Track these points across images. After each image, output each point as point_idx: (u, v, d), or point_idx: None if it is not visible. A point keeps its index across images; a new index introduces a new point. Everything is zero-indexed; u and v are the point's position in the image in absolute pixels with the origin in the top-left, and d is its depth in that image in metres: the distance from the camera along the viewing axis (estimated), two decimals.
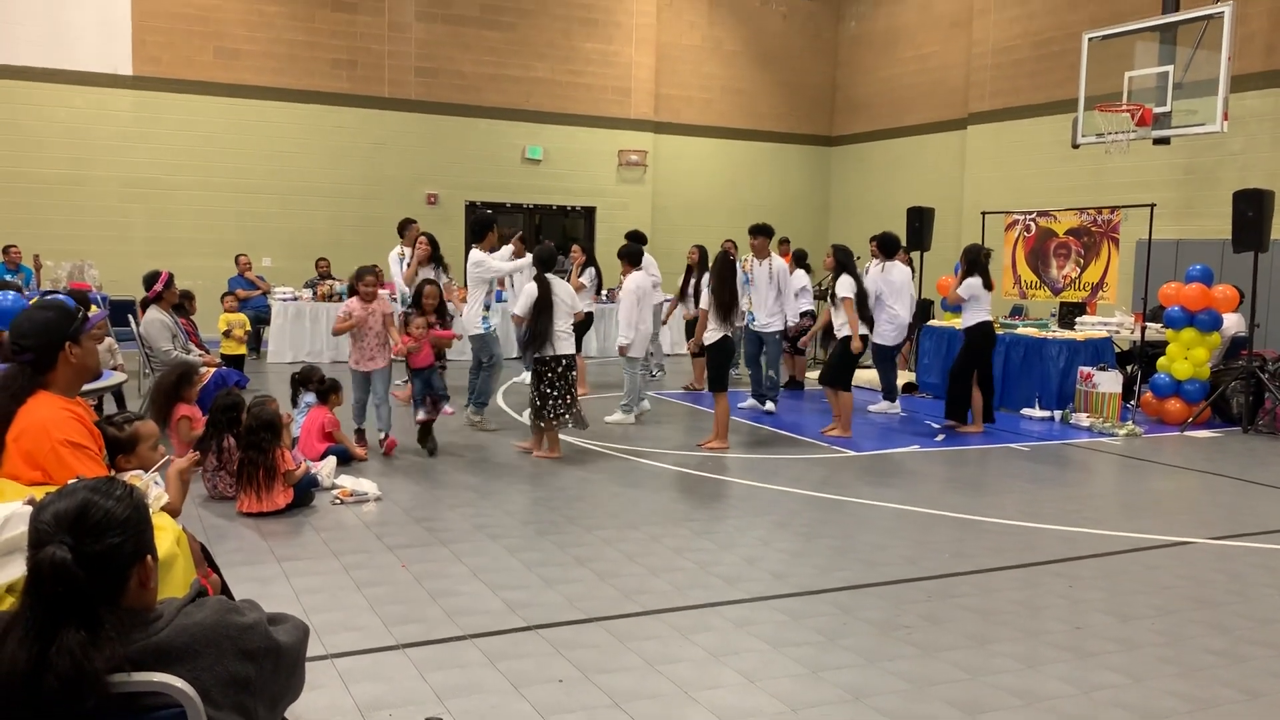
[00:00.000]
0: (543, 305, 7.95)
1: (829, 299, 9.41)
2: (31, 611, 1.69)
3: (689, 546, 5.69)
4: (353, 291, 8.18)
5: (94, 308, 10.20)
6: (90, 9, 15.39)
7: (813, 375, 13.45)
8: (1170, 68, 12.46)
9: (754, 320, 10.46)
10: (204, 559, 3.59)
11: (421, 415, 8.12)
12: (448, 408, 8.39)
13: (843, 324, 9.29)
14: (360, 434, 8.00)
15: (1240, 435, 9.96)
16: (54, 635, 1.67)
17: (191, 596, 1.89)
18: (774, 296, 10.38)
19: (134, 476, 3.09)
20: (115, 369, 8.43)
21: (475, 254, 9.28)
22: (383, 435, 7.99)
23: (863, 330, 9.23)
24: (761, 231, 10.32)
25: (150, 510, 2.90)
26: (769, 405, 10.58)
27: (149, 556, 1.82)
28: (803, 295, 11.75)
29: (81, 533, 1.73)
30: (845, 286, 9.21)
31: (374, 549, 5.55)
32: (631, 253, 10.20)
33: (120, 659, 1.69)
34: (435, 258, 10.51)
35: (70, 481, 1.89)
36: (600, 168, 19.06)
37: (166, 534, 2.72)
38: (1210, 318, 10.36)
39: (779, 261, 10.46)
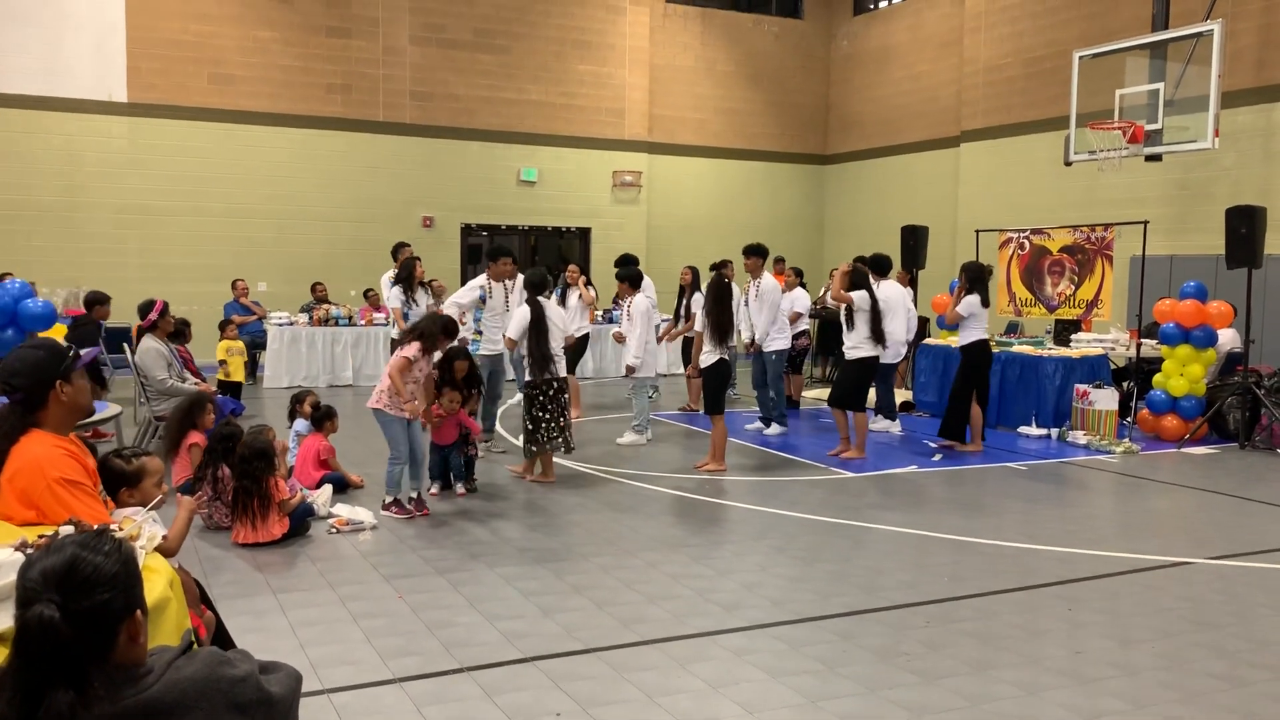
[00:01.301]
0: (538, 328, 7.95)
1: (845, 321, 9.41)
2: (19, 671, 1.68)
3: (687, 573, 5.67)
4: (430, 345, 7.13)
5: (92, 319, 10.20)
6: (85, 37, 15.44)
7: (810, 395, 13.47)
8: (1161, 85, 12.53)
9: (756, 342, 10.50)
10: (198, 597, 3.58)
11: (435, 490, 7.60)
12: (459, 488, 7.70)
13: (854, 345, 9.31)
14: (418, 501, 7.10)
15: (1237, 451, 9.96)
16: (43, 696, 1.65)
17: (183, 648, 1.88)
18: (770, 316, 10.39)
19: (127, 519, 3.07)
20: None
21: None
22: (415, 494, 7.10)
23: (875, 350, 9.29)
24: (754, 252, 10.35)
25: (144, 551, 2.90)
26: (774, 427, 10.54)
27: (139, 611, 1.81)
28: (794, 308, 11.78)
29: (70, 590, 1.71)
30: (861, 298, 9.24)
31: (370, 579, 5.52)
32: (633, 275, 10.25)
33: (110, 718, 1.68)
34: (420, 282, 10.54)
35: (59, 535, 1.88)
36: (595, 189, 19.11)
37: (159, 576, 2.71)
38: (1205, 334, 10.38)
39: (768, 280, 10.47)
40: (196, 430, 7.15)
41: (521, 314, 8.06)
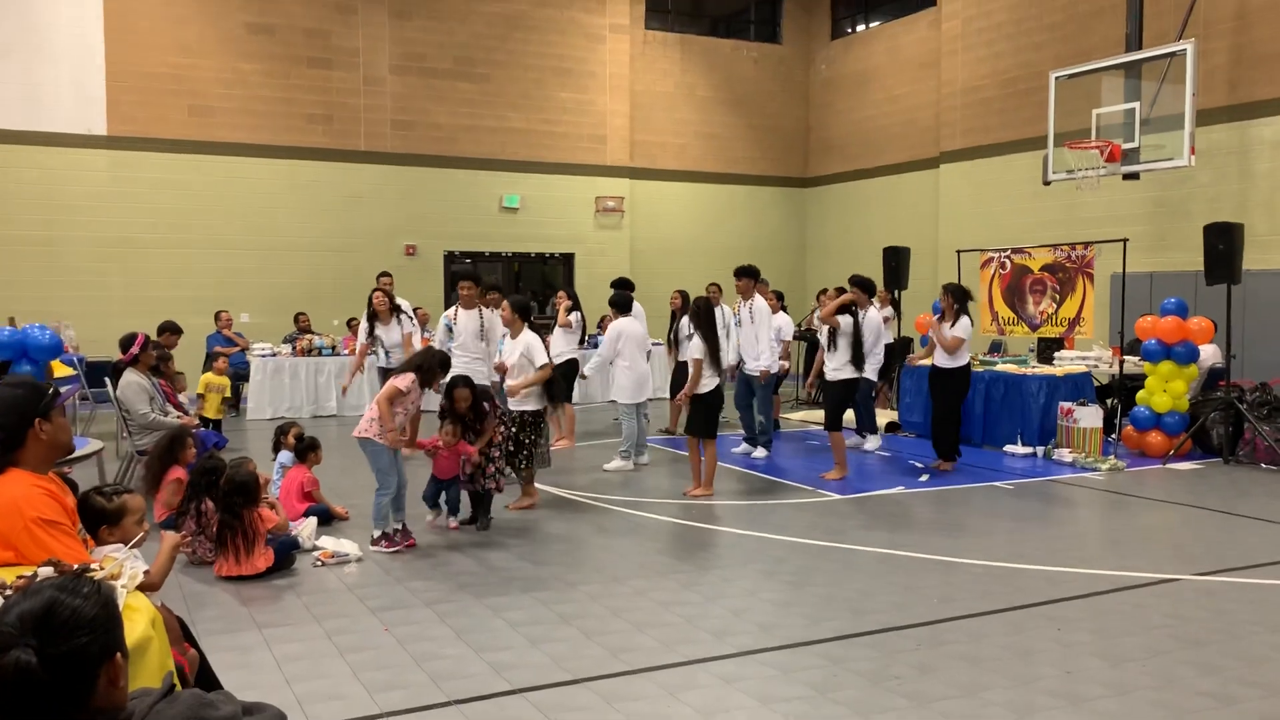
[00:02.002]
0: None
1: (828, 342, 9.49)
2: None
3: (676, 600, 5.64)
4: (427, 379, 7.01)
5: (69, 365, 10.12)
6: (64, 70, 15.42)
7: (795, 416, 13.48)
8: (1137, 104, 12.67)
9: (744, 364, 10.53)
10: (181, 635, 3.53)
11: (431, 518, 7.47)
12: (452, 521, 7.45)
13: (836, 367, 9.37)
14: (399, 532, 6.89)
15: (1221, 466, 10.01)
16: None
17: (165, 691, 1.85)
18: (763, 337, 10.41)
19: (108, 558, 3.03)
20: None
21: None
22: (400, 526, 6.93)
23: (857, 372, 9.40)
24: (745, 274, 10.38)
25: (126, 590, 2.86)
26: (760, 451, 10.55)
27: (119, 654, 1.78)
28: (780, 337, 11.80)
29: (47, 634, 1.68)
30: (846, 323, 9.33)
31: (356, 612, 5.47)
32: (622, 301, 10.32)
33: None
34: (394, 307, 10.59)
35: (37, 577, 1.85)
36: (578, 214, 19.15)
37: (141, 615, 2.67)
38: (1187, 350, 10.45)
39: (760, 302, 10.50)
40: (178, 465, 7.10)
41: (534, 344, 8.04)
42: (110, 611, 1.76)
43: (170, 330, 10.78)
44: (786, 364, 12.00)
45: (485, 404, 7.52)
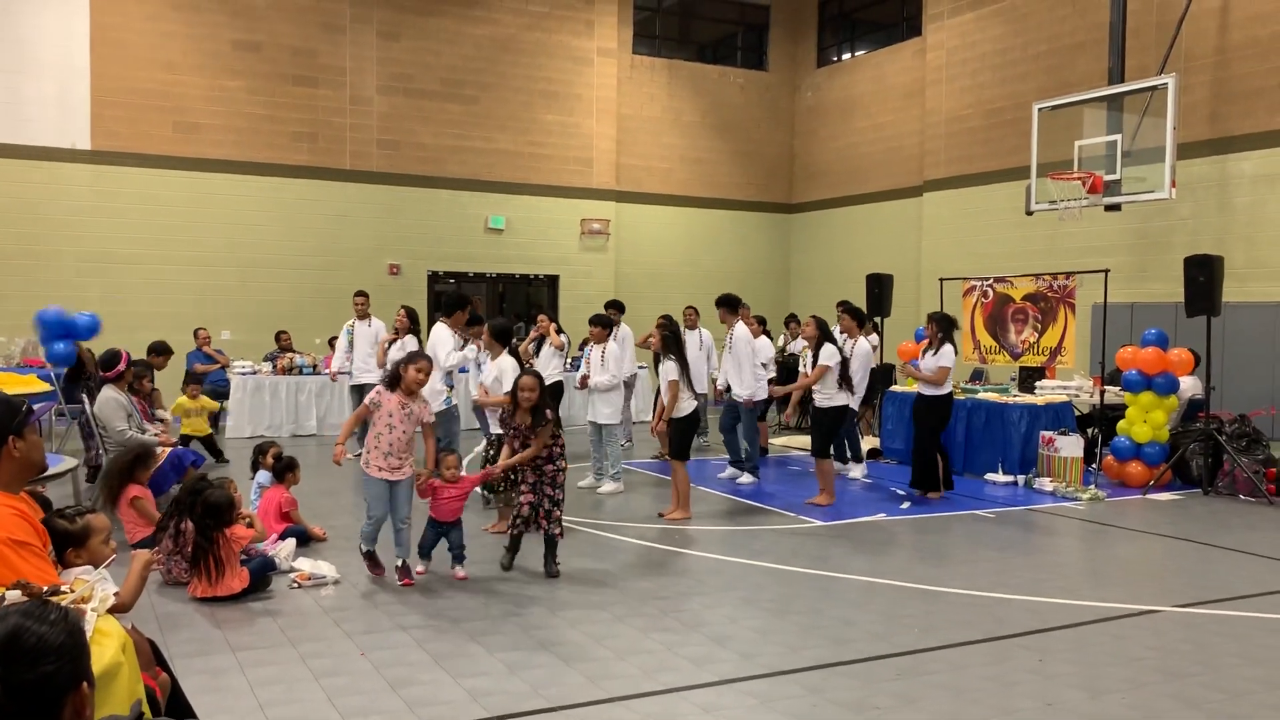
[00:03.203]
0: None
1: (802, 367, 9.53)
2: None
3: (656, 626, 5.59)
4: (390, 380, 6.48)
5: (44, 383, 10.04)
6: (49, 86, 15.36)
7: (778, 442, 13.47)
8: (1119, 136, 12.79)
9: (730, 390, 10.52)
10: (152, 659, 3.47)
11: (423, 569, 6.66)
12: (459, 570, 6.61)
13: (826, 395, 9.38)
14: (372, 557, 6.53)
15: (1201, 497, 10.04)
16: None
17: (132, 719, 1.80)
18: (745, 366, 10.39)
19: (78, 580, 2.98)
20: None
21: (441, 330, 9.25)
22: (399, 563, 6.43)
23: (846, 399, 9.41)
24: (723, 303, 10.42)
25: (96, 614, 2.81)
26: (746, 476, 10.50)
27: (85, 684, 1.74)
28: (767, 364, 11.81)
29: (12, 661, 1.64)
30: (830, 354, 9.30)
31: (332, 636, 5.40)
32: (604, 321, 10.30)
33: None
34: (414, 330, 10.67)
35: (4, 601, 1.80)
36: (563, 237, 19.16)
37: (111, 640, 2.62)
38: (1167, 381, 10.50)
39: (740, 330, 10.50)
40: (136, 483, 7.02)
41: (509, 367, 7.99)
42: (77, 639, 1.72)
43: (159, 351, 10.71)
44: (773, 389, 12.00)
45: (549, 411, 6.75)
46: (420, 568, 6.62)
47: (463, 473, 6.80)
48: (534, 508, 6.70)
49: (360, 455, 6.64)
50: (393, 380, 6.43)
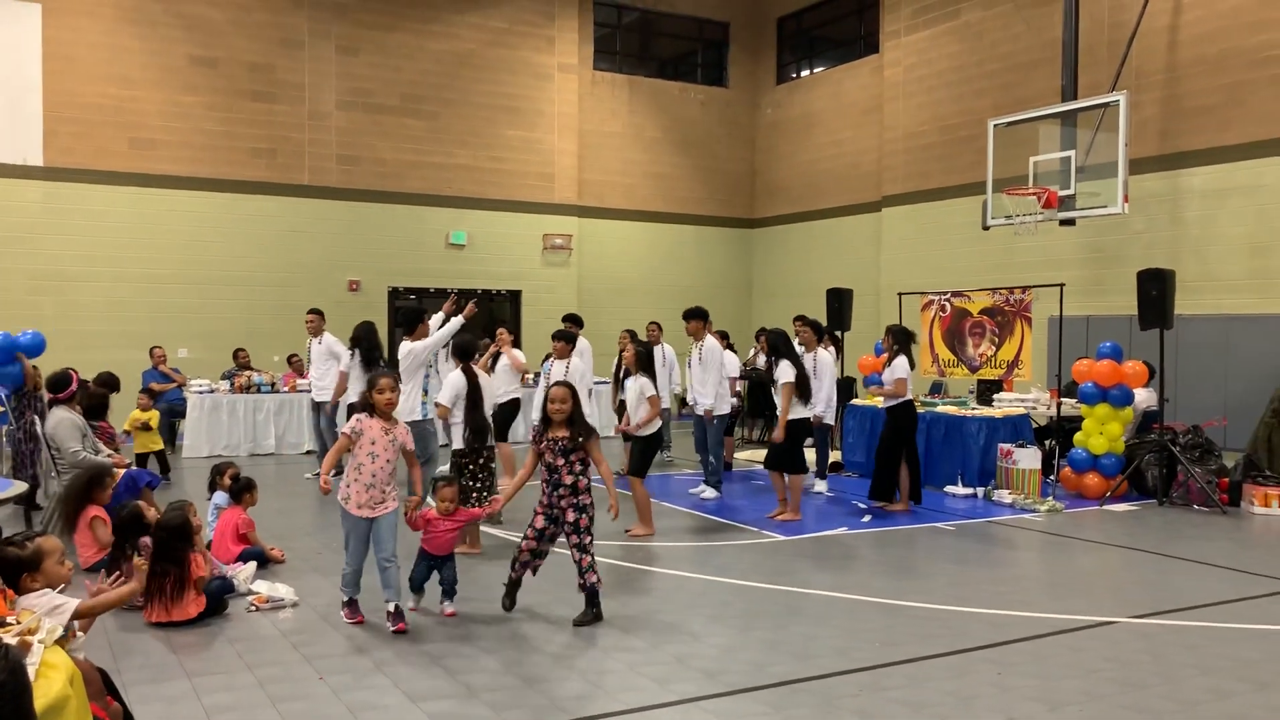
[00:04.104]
0: (474, 396, 7.85)
1: (772, 384, 9.52)
2: None
3: (618, 645, 5.57)
4: (364, 406, 5.99)
5: None
6: (0, 100, 15.11)
7: (742, 456, 13.50)
8: (1072, 152, 12.99)
9: (697, 404, 10.46)
10: (103, 689, 3.40)
11: (414, 605, 6.22)
12: (448, 606, 6.23)
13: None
14: (353, 605, 6.04)
15: (1156, 508, 10.18)
16: None
17: None
18: (711, 378, 10.36)
19: (25, 610, 2.91)
20: None
21: (404, 346, 9.22)
22: (391, 607, 5.86)
23: (816, 410, 9.44)
24: (694, 315, 10.38)
25: (43, 645, 2.75)
26: (710, 491, 10.47)
27: None
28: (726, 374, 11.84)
29: None
30: (786, 371, 9.29)
31: (290, 660, 5.32)
32: (567, 335, 10.28)
33: None
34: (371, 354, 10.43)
35: None
36: (525, 252, 19.13)
37: (58, 673, 2.56)
38: (1122, 393, 10.66)
39: (710, 343, 10.49)
40: (94, 504, 6.92)
41: (454, 380, 7.95)
42: (19, 678, 1.68)
43: (106, 384, 10.36)
44: (737, 402, 12.05)
45: (590, 429, 6.21)
46: (412, 604, 6.15)
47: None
48: (540, 542, 6.09)
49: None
50: (369, 404, 5.93)
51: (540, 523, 6.11)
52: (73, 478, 7.46)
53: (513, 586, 6.23)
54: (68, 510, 6.96)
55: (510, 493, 6.52)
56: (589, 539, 6.07)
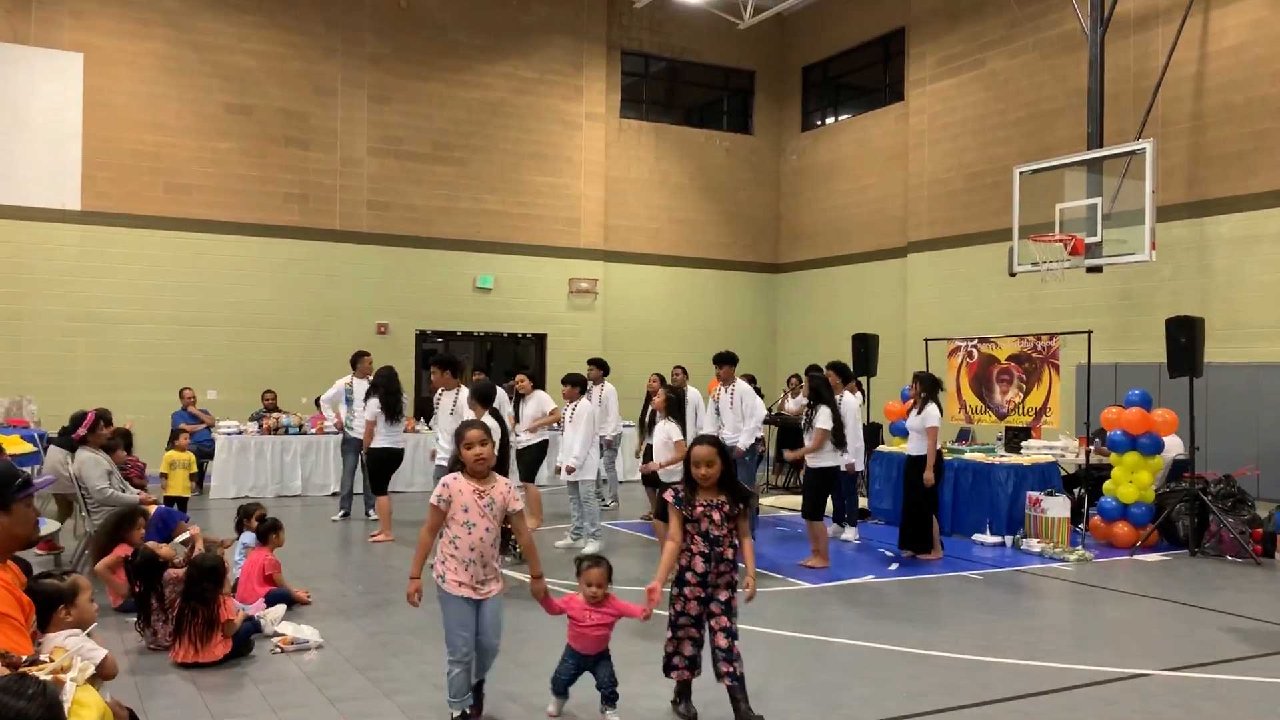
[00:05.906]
0: (504, 441, 7.99)
1: (806, 431, 9.52)
2: None
3: (640, 692, 5.54)
4: (453, 464, 5.04)
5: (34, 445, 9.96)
6: (40, 146, 15.46)
7: (766, 502, 13.44)
8: (1099, 200, 12.99)
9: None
10: None
11: (554, 709, 5.22)
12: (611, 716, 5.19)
13: (816, 456, 9.40)
14: (477, 710, 5.03)
15: (1188, 558, 10.04)
16: None
17: None
18: (749, 425, 10.39)
19: (57, 649, 2.95)
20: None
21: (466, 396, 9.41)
22: (474, 681, 4.98)
23: (848, 458, 9.45)
24: (724, 360, 10.48)
25: (75, 684, 2.78)
26: None
27: None
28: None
29: None
30: (824, 418, 9.31)
31: (315, 703, 5.33)
32: (578, 380, 10.33)
33: None
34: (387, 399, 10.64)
35: None
36: (551, 295, 19.27)
37: (90, 712, 2.59)
38: (1152, 441, 10.56)
39: (742, 385, 10.57)
40: (125, 544, 6.98)
41: (494, 429, 8.02)
42: (55, 713, 1.71)
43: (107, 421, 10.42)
44: (762, 447, 12.02)
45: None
46: (552, 709, 5.16)
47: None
48: (700, 629, 5.09)
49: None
50: (457, 462, 4.90)
51: (695, 609, 5.06)
52: (105, 518, 7.55)
53: (685, 689, 5.28)
54: (99, 547, 7.03)
55: (663, 576, 5.06)
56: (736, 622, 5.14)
